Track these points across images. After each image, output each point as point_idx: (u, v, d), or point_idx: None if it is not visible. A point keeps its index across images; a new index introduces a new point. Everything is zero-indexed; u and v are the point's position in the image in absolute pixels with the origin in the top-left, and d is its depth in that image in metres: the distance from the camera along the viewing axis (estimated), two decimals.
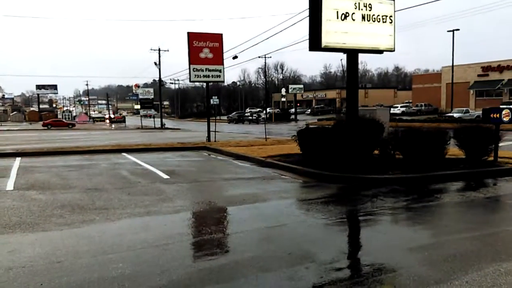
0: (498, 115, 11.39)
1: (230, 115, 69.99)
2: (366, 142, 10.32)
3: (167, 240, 5.46)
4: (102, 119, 74.67)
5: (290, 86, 72.26)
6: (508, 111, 11.68)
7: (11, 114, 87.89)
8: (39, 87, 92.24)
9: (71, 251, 5.07)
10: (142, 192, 8.68)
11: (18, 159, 14.44)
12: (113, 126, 59.51)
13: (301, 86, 75.80)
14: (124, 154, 16.33)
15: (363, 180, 9.43)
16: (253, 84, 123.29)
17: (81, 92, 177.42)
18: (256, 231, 5.94)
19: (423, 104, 58.19)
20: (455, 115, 40.24)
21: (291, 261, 4.68)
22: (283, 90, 70.94)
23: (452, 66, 49.02)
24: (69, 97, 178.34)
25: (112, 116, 77.75)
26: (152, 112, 57.92)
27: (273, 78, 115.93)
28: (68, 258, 4.85)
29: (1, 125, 59.19)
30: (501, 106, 16.66)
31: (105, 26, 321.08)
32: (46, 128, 52.05)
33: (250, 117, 61.62)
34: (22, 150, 17.07)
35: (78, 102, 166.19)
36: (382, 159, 10.72)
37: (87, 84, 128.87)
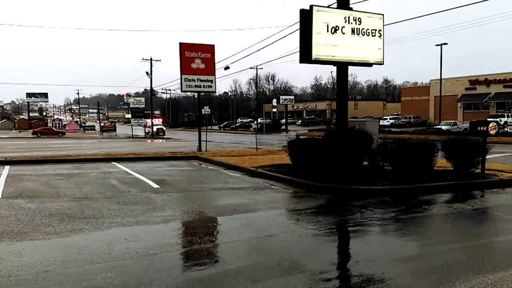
0: (485, 128, 11.58)
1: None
2: (355, 153, 10.42)
3: (156, 250, 5.45)
4: (93, 128, 74.25)
5: (281, 97, 72.56)
6: (495, 124, 11.89)
7: (0, 122, 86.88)
8: (29, 95, 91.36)
9: (59, 261, 5.03)
10: (131, 202, 8.64)
11: (7, 167, 14.28)
12: (103, 134, 59.10)
13: (292, 97, 76.27)
14: (114, 163, 16.24)
15: (353, 191, 9.51)
16: (244, 95, 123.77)
17: (71, 101, 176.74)
18: (246, 241, 5.96)
19: (412, 116, 58.94)
20: (443, 127, 40.72)
21: (280, 272, 4.70)
22: (274, 101, 71.29)
23: (440, 79, 49.77)
24: (60, 106, 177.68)
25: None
26: (143, 121, 57.65)
27: (264, 89, 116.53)
28: (56, 267, 4.81)
29: None
30: (488, 119, 16.94)
31: (97, 35, 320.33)
32: (36, 136, 51.56)
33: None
34: (11, 158, 16.90)
35: (68, 111, 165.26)
36: (371, 170, 10.82)
37: (78, 93, 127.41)
